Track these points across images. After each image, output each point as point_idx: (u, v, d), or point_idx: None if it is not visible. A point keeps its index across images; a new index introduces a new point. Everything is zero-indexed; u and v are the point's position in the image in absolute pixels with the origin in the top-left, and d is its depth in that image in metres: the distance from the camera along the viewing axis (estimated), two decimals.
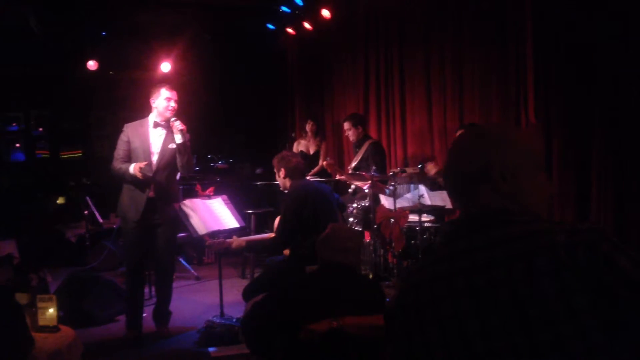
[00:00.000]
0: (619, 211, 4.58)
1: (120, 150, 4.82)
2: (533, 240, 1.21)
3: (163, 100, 4.84)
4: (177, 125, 4.76)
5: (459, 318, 1.22)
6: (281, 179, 4.60)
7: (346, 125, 6.67)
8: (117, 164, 4.78)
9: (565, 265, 1.15)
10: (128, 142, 4.82)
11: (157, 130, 4.86)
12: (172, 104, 4.86)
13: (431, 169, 5.87)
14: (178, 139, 4.78)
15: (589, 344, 1.12)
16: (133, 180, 4.69)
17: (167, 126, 4.85)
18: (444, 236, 1.39)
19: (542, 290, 1.15)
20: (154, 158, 4.80)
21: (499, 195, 1.29)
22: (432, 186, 5.81)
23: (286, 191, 4.63)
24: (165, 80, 5.41)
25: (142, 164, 4.62)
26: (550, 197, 1.36)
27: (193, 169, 4.99)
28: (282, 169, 4.55)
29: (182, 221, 4.82)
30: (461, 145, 1.38)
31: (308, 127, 7.73)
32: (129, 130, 4.86)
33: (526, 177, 1.31)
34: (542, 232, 1.22)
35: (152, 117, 4.89)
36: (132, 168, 4.64)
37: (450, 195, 1.40)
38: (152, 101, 4.89)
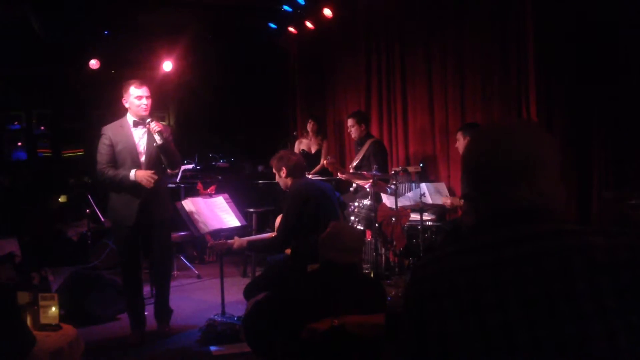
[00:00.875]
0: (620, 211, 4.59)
1: (104, 155, 4.59)
2: (567, 239, 1.21)
3: (134, 100, 4.60)
4: (153, 126, 4.53)
5: (481, 311, 1.21)
6: (283, 179, 4.59)
7: (350, 121, 6.67)
8: (109, 171, 4.56)
9: (602, 266, 1.16)
10: (111, 146, 4.60)
11: (138, 129, 4.65)
12: (144, 101, 4.61)
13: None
14: (158, 139, 4.57)
15: (614, 345, 1.13)
16: (132, 186, 4.54)
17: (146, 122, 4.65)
18: (466, 229, 1.37)
19: (577, 289, 1.15)
20: (142, 158, 4.63)
21: (531, 192, 1.28)
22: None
23: (288, 190, 4.63)
24: (136, 76, 5.14)
25: (150, 173, 4.51)
26: (565, 198, 1.35)
27: (180, 165, 4.80)
28: (284, 168, 4.54)
29: (182, 220, 4.82)
30: (499, 140, 1.34)
31: (309, 127, 7.74)
32: (110, 133, 4.62)
33: (553, 176, 1.31)
34: (576, 232, 1.22)
35: (130, 117, 4.67)
36: (135, 175, 4.50)
37: (477, 190, 1.35)
38: (124, 101, 4.66)
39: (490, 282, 1.22)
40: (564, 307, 1.15)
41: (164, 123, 4.77)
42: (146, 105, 4.63)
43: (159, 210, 4.72)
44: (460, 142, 5.53)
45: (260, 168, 9.02)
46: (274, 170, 4.64)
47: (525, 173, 1.29)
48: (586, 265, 1.17)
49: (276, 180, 4.72)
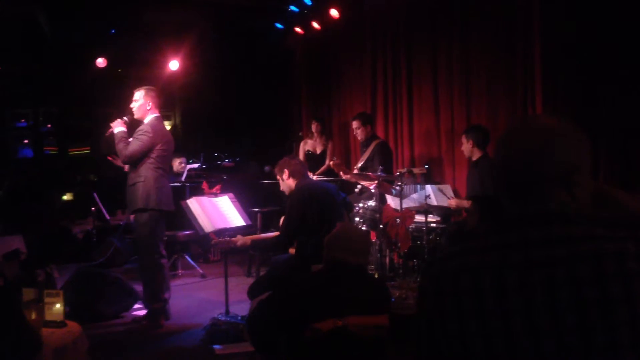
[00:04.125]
0: None
1: None
2: (599, 243, 1.18)
3: None
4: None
5: (506, 313, 1.17)
6: (286, 182, 4.59)
7: (355, 124, 6.67)
8: None
9: (635, 273, 1.14)
10: None
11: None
12: (131, 105, 5.16)
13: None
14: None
15: None
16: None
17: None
18: (490, 226, 1.32)
19: (609, 295, 1.13)
20: None
21: (567, 195, 1.25)
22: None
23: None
24: (142, 75, 5.81)
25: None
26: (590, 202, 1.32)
27: (123, 158, 5.04)
28: (285, 170, 4.56)
29: (187, 219, 4.84)
30: (546, 142, 1.27)
31: (313, 128, 7.75)
32: None
33: (586, 180, 1.29)
34: (608, 237, 1.20)
35: None
36: None
37: (511, 189, 1.30)
38: None
39: (518, 283, 1.18)
40: (596, 313, 1.13)
41: (124, 119, 5.19)
42: (132, 108, 5.15)
43: (130, 203, 5.11)
44: (465, 145, 5.52)
45: (267, 168, 9.03)
46: (277, 178, 4.66)
47: (567, 176, 1.25)
48: (618, 271, 1.14)
49: (281, 188, 4.71)
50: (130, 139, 5.05)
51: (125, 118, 5.15)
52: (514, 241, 1.24)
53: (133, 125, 5.20)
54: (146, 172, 5.00)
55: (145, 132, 5.01)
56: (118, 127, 5.09)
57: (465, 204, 5.50)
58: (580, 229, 1.22)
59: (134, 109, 5.14)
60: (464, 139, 5.53)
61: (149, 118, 5.10)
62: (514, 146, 1.31)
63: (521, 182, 1.28)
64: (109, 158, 5.32)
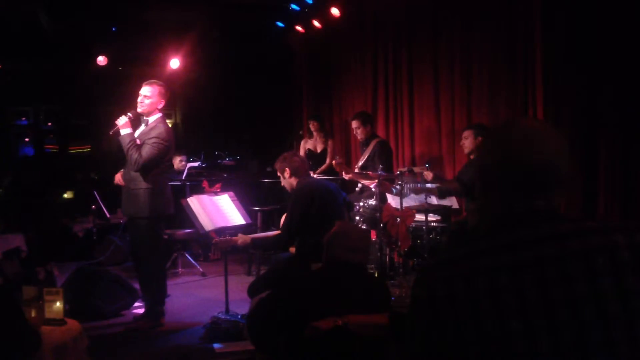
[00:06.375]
0: (625, 211, 4.58)
1: None
2: (588, 238, 1.19)
3: None
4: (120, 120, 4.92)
5: (501, 316, 1.17)
6: (287, 180, 4.58)
7: (355, 123, 6.66)
8: None
9: (627, 265, 1.14)
10: None
11: (141, 125, 5.00)
12: (139, 99, 4.90)
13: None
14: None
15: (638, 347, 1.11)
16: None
17: (145, 121, 4.97)
18: (481, 229, 1.32)
19: (602, 290, 1.13)
20: None
21: (552, 194, 1.27)
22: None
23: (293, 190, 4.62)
24: (143, 74, 5.69)
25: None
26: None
27: (136, 166, 4.74)
28: (287, 169, 4.53)
29: (187, 217, 4.84)
30: (527, 142, 1.29)
31: (312, 127, 7.75)
32: None
33: (567, 180, 1.30)
34: (596, 231, 1.20)
35: None
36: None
37: (496, 189, 1.31)
38: None
39: (510, 285, 1.18)
40: (590, 309, 1.13)
41: (129, 115, 4.91)
42: (140, 103, 4.88)
43: (127, 207, 4.97)
44: (470, 141, 5.47)
45: (269, 169, 9.03)
46: (278, 174, 4.64)
47: (550, 175, 1.27)
48: (610, 266, 1.14)
49: (282, 184, 4.68)
50: (138, 142, 4.82)
51: (129, 114, 4.88)
52: (504, 243, 1.24)
53: (135, 120, 5.00)
54: (153, 179, 4.85)
55: (162, 140, 4.81)
56: (125, 128, 4.83)
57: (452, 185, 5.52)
58: (568, 226, 1.23)
59: (142, 104, 4.87)
60: (471, 134, 5.44)
61: (154, 117, 4.91)
62: (497, 148, 1.33)
63: (506, 181, 1.30)
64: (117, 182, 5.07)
